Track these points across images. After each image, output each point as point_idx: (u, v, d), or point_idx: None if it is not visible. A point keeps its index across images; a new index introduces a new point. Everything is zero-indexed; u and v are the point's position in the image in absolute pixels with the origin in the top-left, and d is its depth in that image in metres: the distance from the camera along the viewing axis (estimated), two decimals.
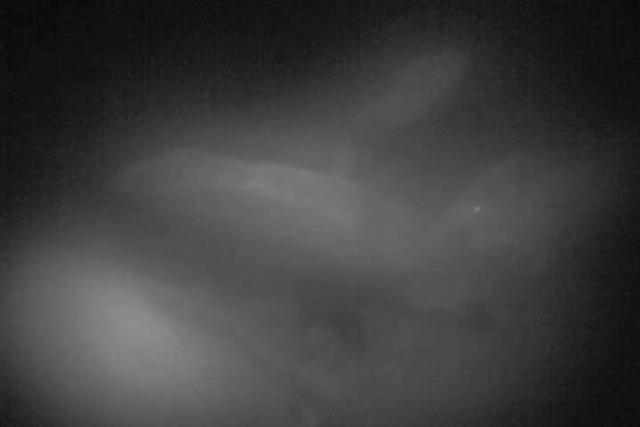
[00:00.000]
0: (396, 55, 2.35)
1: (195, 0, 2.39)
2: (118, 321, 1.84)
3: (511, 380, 2.01)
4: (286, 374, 1.87)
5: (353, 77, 2.35)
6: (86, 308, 1.85)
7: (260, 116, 2.35)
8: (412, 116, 2.32)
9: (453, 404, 1.99)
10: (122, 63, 2.38)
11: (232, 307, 2.00)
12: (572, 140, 2.20)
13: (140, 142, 2.27)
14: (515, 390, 2.00)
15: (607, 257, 2.08)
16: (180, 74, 2.39)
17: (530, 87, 2.31)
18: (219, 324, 1.91)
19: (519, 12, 2.33)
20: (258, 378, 1.83)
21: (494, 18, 2.33)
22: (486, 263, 2.09)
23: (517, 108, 2.30)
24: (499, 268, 2.09)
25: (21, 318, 1.85)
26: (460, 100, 2.32)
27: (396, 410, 1.98)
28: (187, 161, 2.17)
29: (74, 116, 2.33)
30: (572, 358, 2.02)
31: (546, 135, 2.25)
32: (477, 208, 2.10)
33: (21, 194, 2.19)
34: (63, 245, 2.01)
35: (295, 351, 1.96)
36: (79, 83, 2.37)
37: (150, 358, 1.79)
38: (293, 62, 2.38)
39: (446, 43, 2.34)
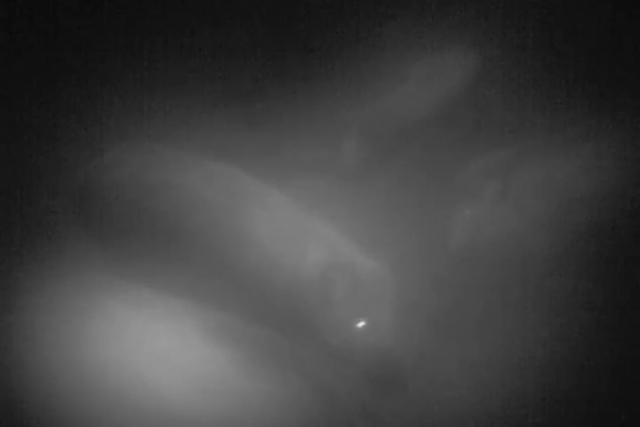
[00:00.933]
0: (401, 54, 2.35)
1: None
2: (174, 352, 1.83)
3: (511, 380, 2.01)
4: (346, 401, 1.85)
5: (357, 76, 2.35)
6: (141, 340, 1.84)
7: (261, 115, 2.36)
8: (417, 115, 2.32)
9: (453, 404, 1.99)
10: (121, 63, 2.39)
11: (292, 333, 1.97)
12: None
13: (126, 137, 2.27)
14: (515, 390, 2.00)
15: (605, 248, 2.09)
16: (179, 73, 2.39)
17: (536, 82, 2.30)
18: (277, 351, 1.89)
19: (527, 10, 2.33)
20: (317, 404, 1.81)
21: (503, 15, 2.33)
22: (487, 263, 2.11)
23: (523, 104, 2.30)
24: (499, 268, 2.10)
25: (77, 351, 1.84)
26: (466, 99, 2.32)
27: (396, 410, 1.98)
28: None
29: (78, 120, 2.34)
30: (572, 358, 2.02)
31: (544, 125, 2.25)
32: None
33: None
34: (118, 276, 1.99)
35: (354, 379, 1.93)
36: (78, 82, 2.38)
37: (208, 388, 1.78)
38: (295, 62, 2.38)
39: (454, 41, 2.33)
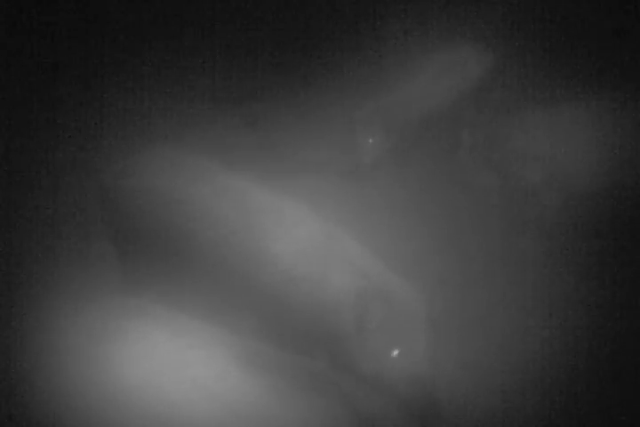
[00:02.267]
0: (404, 52, 2.34)
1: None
2: (209, 380, 1.79)
3: (511, 380, 2.01)
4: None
5: (358, 76, 2.35)
6: (175, 367, 1.84)
7: (261, 115, 2.36)
8: (421, 113, 2.31)
9: (453, 404, 1.99)
10: (122, 62, 2.39)
11: (324, 361, 1.91)
12: None
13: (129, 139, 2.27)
14: (515, 390, 2.00)
15: (605, 247, 2.09)
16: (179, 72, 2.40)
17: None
18: (312, 378, 1.84)
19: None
20: None
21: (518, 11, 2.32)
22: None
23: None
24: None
25: (108, 375, 1.80)
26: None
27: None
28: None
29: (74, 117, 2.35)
30: (573, 359, 2.02)
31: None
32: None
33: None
34: (152, 300, 1.95)
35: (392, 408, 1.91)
36: (79, 81, 2.38)
37: (245, 416, 1.76)
38: (296, 62, 2.38)
39: (466, 37, 2.32)
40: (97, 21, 2.39)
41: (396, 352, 1.88)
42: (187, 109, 2.36)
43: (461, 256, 2.15)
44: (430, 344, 1.90)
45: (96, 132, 2.34)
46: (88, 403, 1.78)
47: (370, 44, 2.34)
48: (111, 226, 2.06)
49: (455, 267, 2.13)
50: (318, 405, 1.76)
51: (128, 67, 2.39)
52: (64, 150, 2.31)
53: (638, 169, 2.10)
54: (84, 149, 2.31)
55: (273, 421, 1.74)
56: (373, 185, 2.27)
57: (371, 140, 2.30)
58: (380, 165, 2.30)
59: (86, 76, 2.39)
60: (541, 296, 2.08)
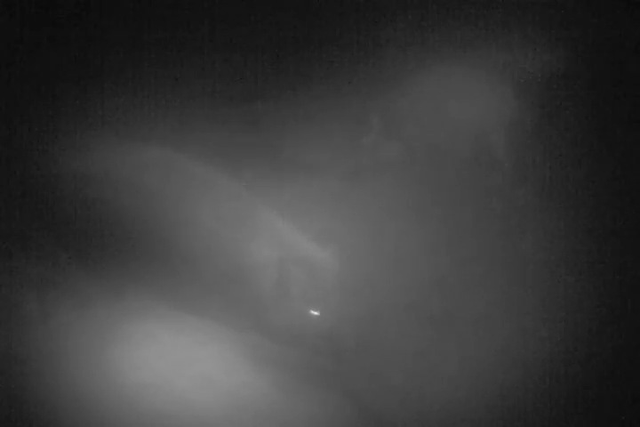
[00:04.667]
0: (402, 55, 2.34)
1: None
2: (218, 377, 1.81)
3: (511, 380, 2.01)
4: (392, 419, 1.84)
5: (359, 76, 2.34)
6: (184, 365, 1.83)
7: (262, 115, 2.36)
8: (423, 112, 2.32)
9: (453, 404, 1.98)
10: (121, 63, 2.38)
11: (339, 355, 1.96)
12: None
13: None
14: (515, 390, 2.00)
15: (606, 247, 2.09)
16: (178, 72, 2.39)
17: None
18: (322, 373, 1.88)
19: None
20: (362, 423, 1.80)
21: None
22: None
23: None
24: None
25: (116, 375, 1.82)
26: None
27: (396, 410, 1.98)
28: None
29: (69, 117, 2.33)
30: (573, 359, 2.02)
31: None
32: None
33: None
34: (157, 301, 1.97)
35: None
36: (77, 82, 2.37)
37: (254, 412, 1.76)
38: (296, 62, 2.38)
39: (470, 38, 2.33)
40: (95, 19, 2.39)
41: (315, 313, 1.96)
42: (186, 109, 2.35)
43: (461, 257, 2.15)
44: (341, 305, 1.99)
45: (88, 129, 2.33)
46: (95, 404, 1.77)
47: (372, 44, 2.35)
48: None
49: (455, 267, 2.13)
50: (324, 399, 1.76)
51: (126, 66, 2.38)
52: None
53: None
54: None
55: (280, 415, 1.74)
56: (374, 187, 2.27)
57: (372, 142, 2.30)
58: (381, 166, 2.30)
59: (83, 73, 2.38)
60: (541, 296, 2.09)
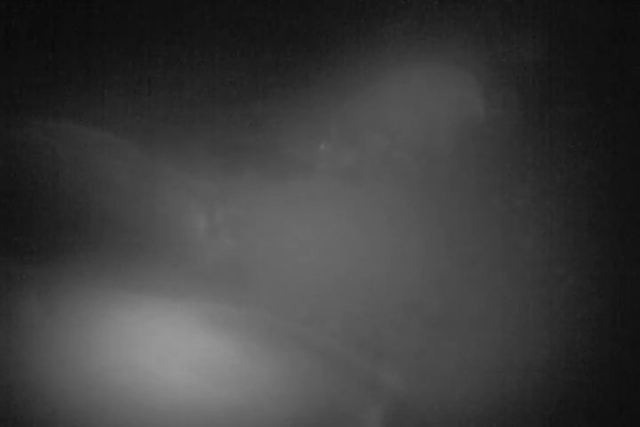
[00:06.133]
0: (400, 53, 2.34)
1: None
2: (180, 345, 1.82)
3: (511, 380, 2.01)
4: (355, 370, 1.85)
5: (359, 76, 2.35)
6: (145, 339, 1.83)
7: (262, 115, 2.36)
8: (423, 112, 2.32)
9: (453, 404, 1.98)
10: (121, 62, 2.38)
11: (294, 311, 1.98)
12: None
13: None
14: (515, 390, 2.00)
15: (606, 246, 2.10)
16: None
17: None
18: (280, 330, 1.89)
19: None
20: (330, 380, 1.80)
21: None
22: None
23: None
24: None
25: (78, 359, 1.81)
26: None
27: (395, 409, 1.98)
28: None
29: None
30: (573, 359, 2.02)
31: None
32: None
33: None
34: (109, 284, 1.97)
35: (363, 347, 1.94)
36: (78, 80, 2.37)
37: (219, 376, 1.76)
38: (296, 61, 2.38)
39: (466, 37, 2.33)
40: (94, 18, 2.39)
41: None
42: (186, 109, 2.35)
43: (461, 257, 2.15)
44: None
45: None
46: (60, 385, 1.78)
47: (371, 44, 2.35)
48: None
49: (455, 267, 2.13)
50: (289, 359, 1.77)
51: (125, 65, 2.38)
52: None
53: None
54: None
55: (246, 379, 1.75)
56: (372, 186, 2.27)
57: (370, 142, 2.30)
58: (380, 166, 2.30)
59: (83, 75, 2.38)
60: (541, 296, 2.09)
